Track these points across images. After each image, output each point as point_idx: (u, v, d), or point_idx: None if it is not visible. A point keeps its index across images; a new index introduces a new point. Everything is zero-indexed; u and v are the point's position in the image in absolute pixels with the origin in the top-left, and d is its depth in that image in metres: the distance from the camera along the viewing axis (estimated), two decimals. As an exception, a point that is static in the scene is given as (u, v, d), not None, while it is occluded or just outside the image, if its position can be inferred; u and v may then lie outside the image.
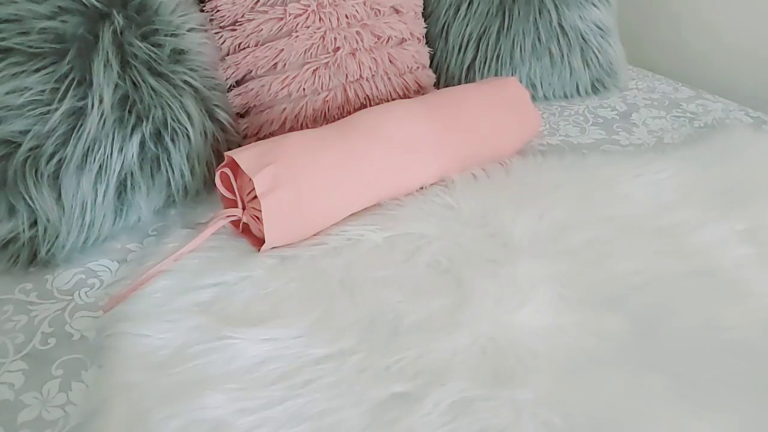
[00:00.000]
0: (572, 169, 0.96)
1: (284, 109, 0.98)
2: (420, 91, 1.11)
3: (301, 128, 0.98)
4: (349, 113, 0.97)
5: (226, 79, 0.98)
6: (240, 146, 0.90)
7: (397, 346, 0.64)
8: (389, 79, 1.06)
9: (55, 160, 0.74)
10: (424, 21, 1.18)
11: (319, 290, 0.72)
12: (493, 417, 0.57)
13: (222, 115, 0.90)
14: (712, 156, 1.00)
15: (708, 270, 0.76)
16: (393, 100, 1.05)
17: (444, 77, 1.24)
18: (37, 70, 0.73)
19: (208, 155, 0.87)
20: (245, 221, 0.80)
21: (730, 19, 1.47)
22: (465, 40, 1.21)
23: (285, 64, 0.97)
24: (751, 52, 1.44)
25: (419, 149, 0.88)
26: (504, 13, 1.19)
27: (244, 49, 0.97)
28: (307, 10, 0.96)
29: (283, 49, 0.96)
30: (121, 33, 0.78)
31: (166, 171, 0.83)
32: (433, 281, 0.74)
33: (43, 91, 0.73)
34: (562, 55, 1.22)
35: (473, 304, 0.70)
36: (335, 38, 0.98)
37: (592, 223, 0.83)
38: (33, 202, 0.73)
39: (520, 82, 1.14)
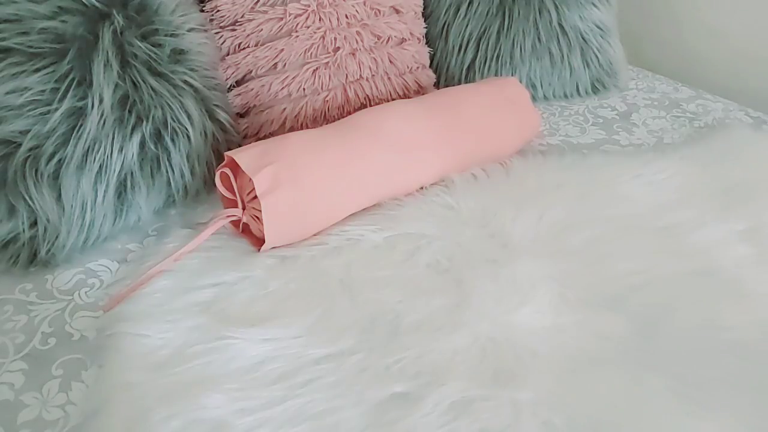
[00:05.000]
0: (572, 169, 0.96)
1: (284, 109, 0.98)
2: (420, 91, 1.11)
3: (301, 128, 0.98)
4: (349, 113, 0.97)
5: (226, 79, 0.98)
6: (240, 146, 0.90)
7: (397, 346, 0.64)
8: (389, 79, 1.06)
9: (55, 160, 0.74)
10: (424, 21, 1.18)
11: (319, 290, 0.72)
12: (493, 417, 0.57)
13: (222, 115, 0.90)
14: (712, 156, 1.00)
15: (708, 270, 0.76)
16: (393, 100, 1.05)
17: (444, 77, 1.24)
18: (37, 70, 0.73)
19: (208, 155, 0.87)
20: (245, 221, 0.80)
21: (730, 19, 1.47)
22: (465, 40, 1.21)
23: (285, 64, 0.97)
24: (751, 52, 1.44)
25: (419, 149, 0.88)
26: (504, 13, 1.19)
27: (244, 49, 0.97)
28: (307, 10, 0.96)
29: (283, 49, 0.96)
30: (121, 33, 0.78)
31: (166, 171, 0.83)
32: (433, 281, 0.74)
33: (43, 91, 0.73)
34: (562, 55, 1.22)
35: (473, 304, 0.70)
36: (335, 38, 0.98)
37: (592, 223, 0.83)
38: (33, 202, 0.73)
39: (520, 82, 1.14)
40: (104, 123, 0.76)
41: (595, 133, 1.14)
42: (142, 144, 0.79)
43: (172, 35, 0.83)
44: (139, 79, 0.79)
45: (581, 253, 0.78)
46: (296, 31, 0.96)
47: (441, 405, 0.58)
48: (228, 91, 0.98)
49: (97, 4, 0.77)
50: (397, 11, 1.07)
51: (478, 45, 1.21)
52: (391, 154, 0.85)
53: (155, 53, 0.81)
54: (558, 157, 1.00)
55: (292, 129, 0.98)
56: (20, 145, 0.72)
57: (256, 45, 0.97)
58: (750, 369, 0.63)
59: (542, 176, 0.93)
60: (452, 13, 1.21)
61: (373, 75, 1.03)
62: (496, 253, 0.78)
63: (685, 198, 0.89)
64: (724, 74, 1.48)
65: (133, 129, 0.78)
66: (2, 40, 0.72)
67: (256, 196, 0.75)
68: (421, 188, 0.90)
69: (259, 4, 0.96)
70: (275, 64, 0.97)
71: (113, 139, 0.77)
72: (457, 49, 1.22)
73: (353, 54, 1.01)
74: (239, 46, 0.97)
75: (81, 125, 0.75)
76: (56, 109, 0.73)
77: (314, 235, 0.81)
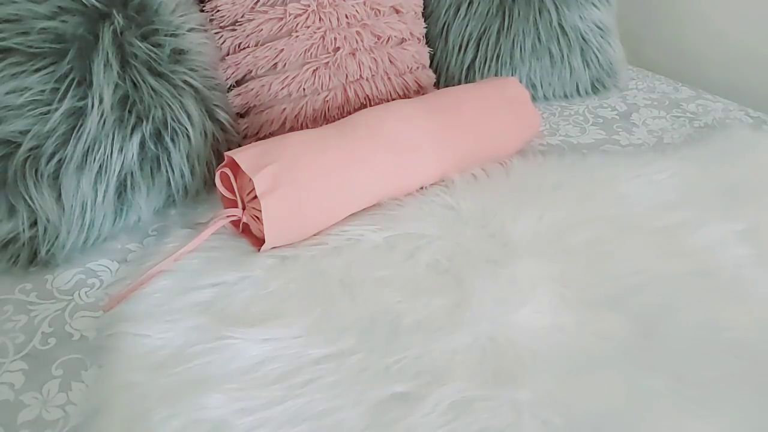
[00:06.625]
0: (572, 169, 0.96)
1: (284, 109, 0.98)
2: (420, 91, 1.11)
3: (301, 128, 0.98)
4: (349, 113, 0.97)
5: (226, 79, 0.98)
6: (240, 146, 0.89)
7: (397, 346, 0.64)
8: (389, 79, 1.06)
9: (55, 160, 0.74)
10: (424, 21, 1.18)
11: (319, 290, 0.72)
12: (493, 417, 0.57)
13: (222, 115, 0.90)
14: (712, 156, 1.00)
15: (708, 270, 0.76)
16: (393, 100, 1.05)
17: (444, 77, 1.24)
18: (37, 70, 0.73)
19: (208, 155, 0.87)
20: (245, 221, 0.80)
21: (730, 19, 1.47)
22: (465, 40, 1.21)
23: (285, 64, 0.97)
24: (751, 52, 1.44)
25: (419, 149, 0.88)
26: (504, 13, 1.19)
27: (244, 49, 0.97)
28: (307, 10, 0.96)
29: (283, 49, 0.96)
30: (121, 33, 0.78)
31: (166, 171, 0.83)
32: (433, 281, 0.74)
33: (43, 91, 0.73)
34: (562, 55, 1.22)
35: (473, 304, 0.70)
36: (335, 38, 0.98)
37: (592, 223, 0.83)
38: (33, 202, 0.73)
39: (520, 82, 1.14)
40: (104, 123, 0.76)
41: (595, 133, 1.14)
42: (142, 144, 0.79)
43: (172, 35, 0.83)
44: (139, 79, 0.79)
45: (581, 253, 0.78)
46: (296, 31, 0.96)
47: (441, 405, 0.58)
48: (228, 91, 0.98)
49: (97, 4, 0.77)
50: (397, 11, 1.07)
51: (478, 45, 1.20)
52: (391, 154, 0.85)
53: (155, 53, 0.81)
54: (558, 157, 1.00)
55: (292, 129, 0.98)
56: (20, 145, 0.72)
57: (256, 45, 0.97)
58: (750, 369, 0.63)
59: (542, 176, 0.93)
60: (452, 13, 1.21)
61: (373, 75, 1.03)
62: (496, 253, 0.78)
63: (685, 198, 0.89)
64: (724, 74, 1.48)
65: (133, 129, 0.78)
66: (2, 40, 0.72)
67: (256, 196, 0.75)
68: (421, 188, 0.90)
69: (259, 4, 0.96)
70: (275, 64, 0.97)
71: (113, 139, 0.77)
72: (457, 49, 1.21)
73: (353, 54, 1.01)
74: (239, 46, 0.97)
75: (81, 125, 0.75)
76: (56, 109, 0.73)
77: (314, 235, 0.81)
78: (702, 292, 0.73)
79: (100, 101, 0.75)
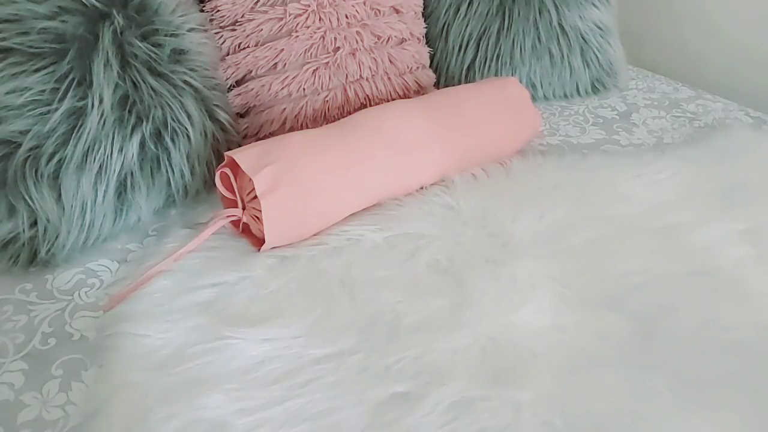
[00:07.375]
0: (572, 169, 0.96)
1: (284, 109, 0.98)
2: (420, 91, 1.11)
3: (301, 128, 0.98)
4: (349, 113, 0.97)
5: (226, 79, 0.98)
6: (240, 146, 0.90)
7: (397, 346, 0.64)
8: (389, 79, 1.06)
9: (55, 160, 0.74)
10: (424, 21, 1.18)
11: (319, 290, 0.72)
12: (493, 417, 0.57)
13: (222, 115, 0.90)
14: (712, 156, 1.00)
15: (708, 270, 0.76)
16: (393, 100, 1.05)
17: (444, 77, 1.24)
18: (37, 70, 0.73)
19: (208, 155, 0.87)
20: (245, 221, 0.80)
21: (730, 19, 1.47)
22: (465, 40, 1.21)
23: (285, 64, 0.97)
24: (751, 52, 1.44)
25: (419, 149, 0.88)
26: (504, 13, 1.19)
27: (244, 49, 0.97)
28: (307, 10, 0.96)
29: (283, 49, 0.96)
30: (121, 33, 0.78)
31: (166, 171, 0.83)
32: (433, 281, 0.74)
33: (43, 91, 0.73)
34: (562, 55, 1.22)
35: (473, 304, 0.70)
36: (335, 38, 0.98)
37: (592, 223, 0.83)
38: (33, 202, 0.73)
39: (520, 82, 1.14)
40: (104, 123, 0.76)
41: (595, 133, 1.14)
42: (142, 144, 0.79)
43: (172, 35, 0.83)
44: (139, 79, 0.79)
45: (581, 253, 0.78)
46: (296, 31, 0.96)
47: (441, 405, 0.58)
48: (228, 91, 0.98)
49: (97, 4, 0.77)
50: (397, 11, 1.07)
51: (478, 45, 1.21)
52: (391, 154, 0.85)
53: (155, 53, 0.81)
54: (558, 157, 1.00)
55: (292, 129, 0.98)
56: (20, 145, 0.72)
57: (256, 45, 0.97)
58: (750, 369, 0.63)
59: (542, 176, 0.93)
60: (452, 13, 1.21)
61: (373, 75, 1.03)
62: (496, 253, 0.78)
63: (685, 198, 0.89)
64: (724, 74, 1.48)
65: (133, 129, 0.78)
66: (2, 40, 0.72)
67: (256, 196, 0.75)
68: (421, 188, 0.90)
69: (259, 4, 0.96)
70: (275, 64, 0.97)
71: (113, 139, 0.77)
72: (457, 49, 1.22)
73: (353, 54, 1.01)
74: (239, 46, 0.97)
75: (81, 125, 0.75)
76: (56, 109, 0.73)
77: (314, 235, 0.81)
78: (702, 292, 0.73)
79: (100, 101, 0.75)
